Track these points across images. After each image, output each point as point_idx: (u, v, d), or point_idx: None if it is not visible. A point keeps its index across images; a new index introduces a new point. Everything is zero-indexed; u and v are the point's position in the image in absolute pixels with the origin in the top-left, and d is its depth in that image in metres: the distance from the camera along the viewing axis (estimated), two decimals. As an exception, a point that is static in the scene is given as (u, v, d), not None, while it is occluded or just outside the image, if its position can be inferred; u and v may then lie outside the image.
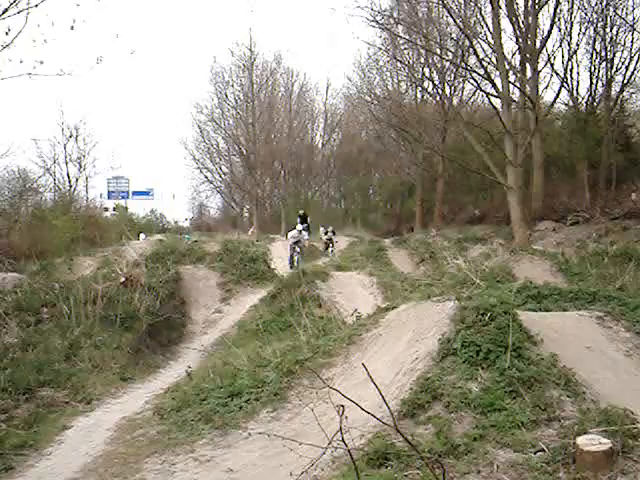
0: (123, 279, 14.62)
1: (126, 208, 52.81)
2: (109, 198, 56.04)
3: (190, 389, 8.93)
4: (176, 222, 56.38)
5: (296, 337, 10.30)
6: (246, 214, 57.79)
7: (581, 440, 4.69)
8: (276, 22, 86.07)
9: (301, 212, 35.35)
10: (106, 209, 51.29)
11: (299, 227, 24.90)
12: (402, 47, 40.43)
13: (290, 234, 24.12)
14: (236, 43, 51.42)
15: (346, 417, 3.86)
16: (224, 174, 58.11)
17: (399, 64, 43.40)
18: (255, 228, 45.06)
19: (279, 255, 23.89)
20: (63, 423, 8.54)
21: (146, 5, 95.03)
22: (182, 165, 70.95)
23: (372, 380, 4.20)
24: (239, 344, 11.96)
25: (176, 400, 8.70)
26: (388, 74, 47.26)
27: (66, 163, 47.31)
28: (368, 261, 22.68)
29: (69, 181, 47.40)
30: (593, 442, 4.64)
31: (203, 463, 6.59)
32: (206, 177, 58.36)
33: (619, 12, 35.81)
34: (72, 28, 12.26)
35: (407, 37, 35.92)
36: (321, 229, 39.17)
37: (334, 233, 31.05)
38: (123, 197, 56.72)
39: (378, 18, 30.99)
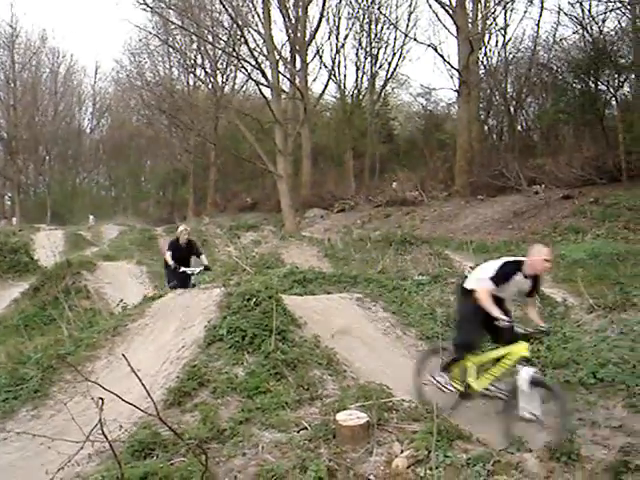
0: None
1: None
2: None
3: (-61, 392, 8.18)
4: None
5: (60, 331, 9.82)
6: (8, 202, 54.01)
7: (340, 416, 4.88)
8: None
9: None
10: None
11: None
12: (174, 32, 39.88)
13: None
14: (-5, 19, 48.05)
15: (102, 409, 3.72)
16: (-19, 159, 53.83)
17: (171, 49, 42.81)
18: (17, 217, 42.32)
19: (42, 245, 22.55)
20: None
21: None
22: None
23: (133, 370, 4.08)
24: (-2, 341, 11.17)
25: None
26: (160, 59, 46.50)
27: None
28: (138, 250, 22.13)
29: None
30: (351, 417, 4.85)
31: (-47, 469, 6.06)
32: (-41, 162, 53.66)
33: (383, 10, 38.03)
34: None
35: (179, 23, 35.48)
36: (90, 217, 37.61)
37: None
38: None
39: (149, 1, 30.35)
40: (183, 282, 10.84)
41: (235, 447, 4.97)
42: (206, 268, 11.30)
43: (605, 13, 27.03)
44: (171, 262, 10.87)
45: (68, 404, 6.42)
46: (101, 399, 3.85)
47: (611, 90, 25.98)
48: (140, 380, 4.09)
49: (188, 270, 11.00)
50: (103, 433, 3.98)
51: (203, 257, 11.52)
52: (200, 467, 4.33)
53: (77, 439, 4.33)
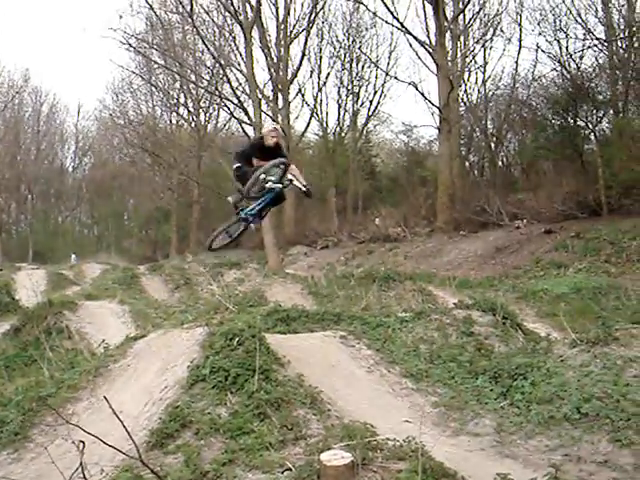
0: None
1: None
2: None
3: None
4: None
5: (42, 372, 9.69)
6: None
7: (325, 456, 4.83)
8: (24, 39, 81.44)
9: None
10: None
11: None
12: (157, 72, 40.19)
13: None
14: (-23, 59, 48.19)
15: (83, 453, 3.67)
16: (-38, 199, 53.57)
17: (154, 88, 43.09)
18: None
19: (24, 285, 22.34)
20: None
21: None
22: None
23: (114, 412, 4.05)
24: (-24, 383, 10.97)
25: None
26: (142, 98, 46.74)
27: None
28: (121, 289, 21.94)
29: None
30: (336, 457, 4.80)
31: None
32: (-60, 203, 53.34)
33: (364, 49, 38.67)
34: None
35: (162, 62, 35.76)
36: (72, 256, 37.39)
37: None
38: None
39: (132, 41, 30.64)
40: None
41: (219, 489, 4.92)
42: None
43: (582, 50, 27.75)
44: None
45: (49, 447, 6.32)
46: (82, 442, 3.81)
47: (590, 126, 26.44)
48: (122, 422, 4.06)
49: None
50: (84, 477, 3.93)
51: (294, 167, 8.58)
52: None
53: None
